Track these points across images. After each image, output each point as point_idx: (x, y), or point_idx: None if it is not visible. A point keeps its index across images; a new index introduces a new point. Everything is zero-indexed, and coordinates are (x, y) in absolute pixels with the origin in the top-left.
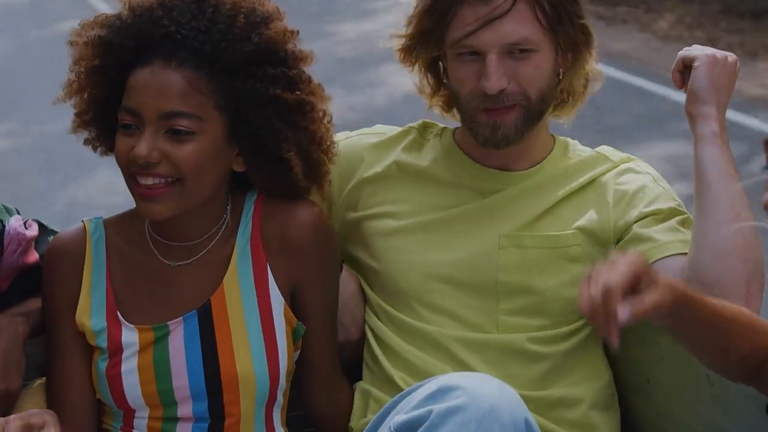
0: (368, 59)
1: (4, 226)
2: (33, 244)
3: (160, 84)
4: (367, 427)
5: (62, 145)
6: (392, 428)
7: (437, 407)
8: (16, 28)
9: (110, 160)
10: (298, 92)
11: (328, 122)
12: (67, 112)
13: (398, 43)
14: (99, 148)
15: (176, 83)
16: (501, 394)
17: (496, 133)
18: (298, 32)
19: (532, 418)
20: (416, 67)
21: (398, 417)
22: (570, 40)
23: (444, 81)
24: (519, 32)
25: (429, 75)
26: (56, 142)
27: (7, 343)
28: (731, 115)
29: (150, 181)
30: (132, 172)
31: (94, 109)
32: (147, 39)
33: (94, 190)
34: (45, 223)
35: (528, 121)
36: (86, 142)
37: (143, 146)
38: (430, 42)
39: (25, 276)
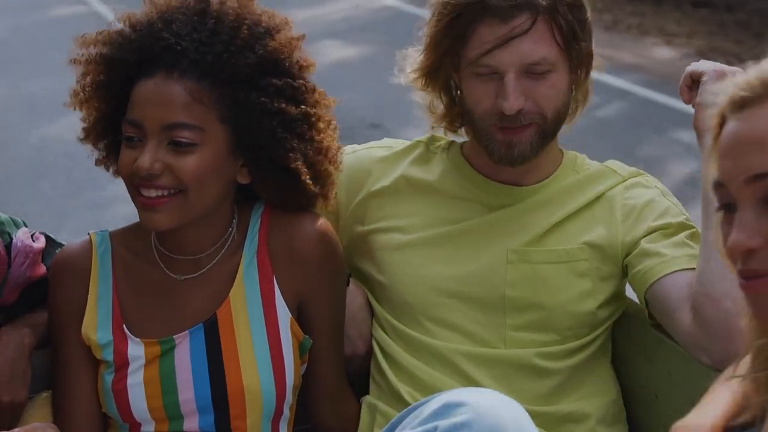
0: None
1: (11, 239)
2: (40, 256)
3: (162, 95)
4: None
5: (42, 97)
6: None
7: (442, 423)
8: (14, 12)
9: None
10: (303, 105)
11: (333, 130)
12: (48, 72)
13: (419, 68)
14: (111, 168)
15: (178, 95)
16: (507, 410)
17: (511, 151)
18: (303, 37)
19: None
20: (428, 89)
21: None
22: (582, 56)
23: (455, 98)
24: (538, 52)
25: (443, 94)
26: (37, 97)
27: (12, 354)
28: (609, 78)
29: (153, 193)
30: (135, 183)
31: (100, 123)
32: (148, 53)
33: (64, 128)
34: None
35: (543, 139)
36: (98, 162)
37: (146, 158)
38: (448, 61)
39: (32, 289)
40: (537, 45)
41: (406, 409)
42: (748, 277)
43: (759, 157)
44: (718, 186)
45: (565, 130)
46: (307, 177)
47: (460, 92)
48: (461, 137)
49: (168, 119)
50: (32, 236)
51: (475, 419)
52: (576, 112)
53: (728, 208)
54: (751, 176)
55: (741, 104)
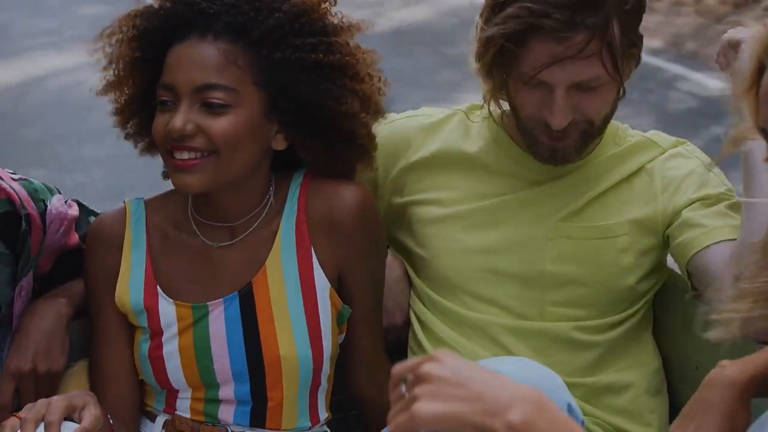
0: None
1: (46, 206)
2: (74, 224)
3: (195, 57)
4: None
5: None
6: None
7: None
8: None
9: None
10: (339, 54)
11: (378, 82)
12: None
13: (475, 66)
14: (140, 143)
15: (210, 56)
16: (543, 378)
17: (555, 155)
18: (335, 2)
19: (575, 402)
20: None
21: None
22: (631, 66)
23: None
24: (589, 72)
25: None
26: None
27: (50, 324)
28: None
29: (186, 155)
30: (168, 147)
31: (135, 102)
32: (181, 19)
33: None
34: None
35: (588, 141)
36: (127, 137)
37: (178, 119)
38: (500, 65)
39: (67, 258)
40: (589, 65)
41: None
42: None
43: None
44: (764, 133)
45: None
46: (348, 133)
47: (508, 92)
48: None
49: (200, 80)
50: (66, 203)
51: None
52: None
53: None
54: None
55: None
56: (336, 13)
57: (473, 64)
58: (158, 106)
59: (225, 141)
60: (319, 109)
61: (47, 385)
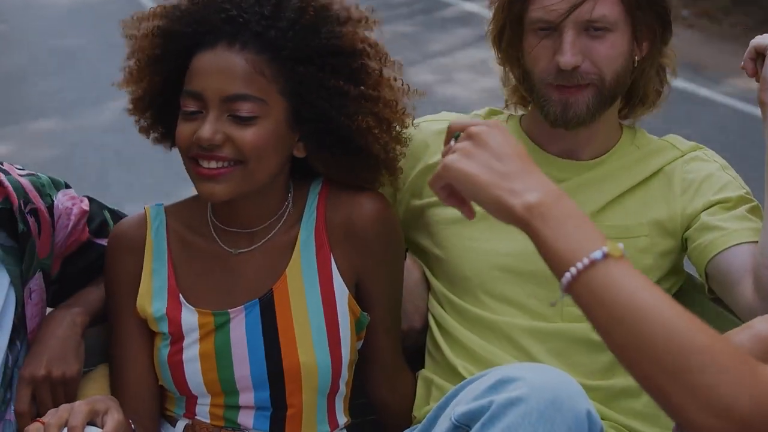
0: None
1: (53, 201)
2: (85, 219)
3: (224, 67)
4: (427, 415)
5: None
6: (453, 419)
7: (498, 398)
8: None
9: None
10: (362, 85)
11: (398, 110)
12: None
13: (489, 33)
14: (152, 135)
15: (240, 66)
16: (562, 385)
17: (567, 112)
18: (375, 44)
19: (594, 409)
20: (501, 56)
21: (459, 408)
22: (648, 28)
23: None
24: (598, 10)
25: (513, 66)
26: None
27: (65, 332)
28: None
29: (213, 164)
30: (193, 154)
31: (151, 95)
32: (208, 24)
33: None
34: None
35: (600, 103)
36: (141, 130)
37: (207, 129)
38: (514, 24)
39: (79, 256)
40: (598, 3)
41: (460, 384)
42: None
43: None
44: None
45: (648, 118)
46: (360, 148)
47: (523, 59)
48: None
49: (229, 90)
50: (74, 199)
51: (530, 394)
52: (645, 107)
53: None
54: None
55: None
56: (367, 37)
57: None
58: (182, 113)
59: (253, 151)
60: (329, 122)
61: (63, 391)
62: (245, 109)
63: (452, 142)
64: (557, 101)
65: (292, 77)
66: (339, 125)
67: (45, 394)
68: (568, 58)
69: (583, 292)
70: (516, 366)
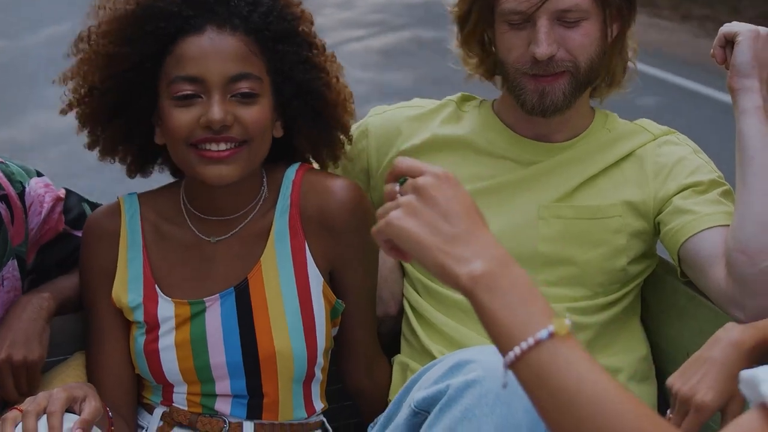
0: None
1: (23, 188)
2: (60, 207)
3: (222, 48)
4: (393, 399)
5: None
6: (413, 406)
7: (454, 381)
8: None
9: None
10: (320, 57)
11: (342, 82)
12: None
13: (453, 16)
14: (99, 146)
15: (236, 47)
16: None
17: (544, 100)
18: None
19: None
20: (462, 35)
21: (418, 393)
22: (617, 10)
23: (489, 49)
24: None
25: (476, 47)
26: None
27: (29, 316)
28: None
29: (223, 146)
30: (197, 140)
31: (120, 91)
32: (197, 6)
33: None
34: None
35: (576, 89)
36: (89, 144)
37: (217, 111)
38: (478, 11)
39: (55, 246)
40: None
41: (421, 369)
42: None
43: None
44: None
45: (615, 96)
46: (337, 121)
47: (495, 45)
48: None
49: (232, 71)
50: (48, 186)
51: (485, 376)
52: (612, 86)
53: None
54: None
55: None
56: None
57: (456, 43)
58: (174, 101)
59: (258, 129)
60: (315, 95)
61: (24, 375)
62: (248, 87)
63: (396, 187)
64: (533, 90)
65: (273, 56)
66: (314, 92)
67: (5, 378)
68: (543, 49)
69: (526, 373)
70: (473, 349)
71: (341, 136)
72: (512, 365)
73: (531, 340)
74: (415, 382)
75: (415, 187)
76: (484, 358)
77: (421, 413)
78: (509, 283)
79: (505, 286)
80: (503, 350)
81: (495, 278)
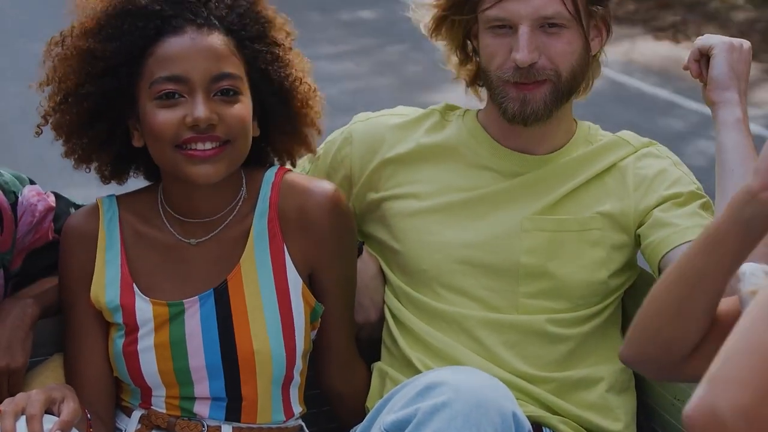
0: None
1: (17, 197)
2: (51, 216)
3: (204, 48)
4: (368, 415)
5: None
6: (383, 428)
7: (423, 405)
8: None
9: None
10: (286, 55)
11: (309, 81)
12: None
13: (429, 14)
14: (78, 155)
15: (218, 46)
16: (487, 388)
17: (525, 108)
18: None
19: (521, 411)
20: (445, 42)
21: (388, 417)
22: (600, 22)
23: (473, 57)
24: (552, 6)
25: (458, 51)
26: None
27: (12, 322)
28: None
29: (209, 145)
30: (183, 140)
31: (101, 92)
32: (178, 5)
33: None
34: None
35: (557, 98)
36: (66, 153)
37: (202, 109)
38: (461, 13)
39: (42, 254)
40: (551, 1)
41: (393, 389)
42: None
43: None
44: None
45: (579, 103)
46: (310, 120)
47: (477, 53)
48: (478, 102)
49: (215, 70)
50: (40, 195)
51: (455, 399)
52: (588, 84)
53: None
54: None
55: None
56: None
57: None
58: (156, 102)
59: (241, 128)
60: (290, 91)
61: (6, 381)
62: (231, 85)
63: None
64: (515, 98)
65: (248, 54)
66: (289, 89)
67: None
68: (524, 55)
69: None
70: (442, 370)
71: (313, 130)
72: None
73: None
74: (388, 401)
75: None
76: (454, 380)
77: None
78: None
79: None
80: None
81: None
